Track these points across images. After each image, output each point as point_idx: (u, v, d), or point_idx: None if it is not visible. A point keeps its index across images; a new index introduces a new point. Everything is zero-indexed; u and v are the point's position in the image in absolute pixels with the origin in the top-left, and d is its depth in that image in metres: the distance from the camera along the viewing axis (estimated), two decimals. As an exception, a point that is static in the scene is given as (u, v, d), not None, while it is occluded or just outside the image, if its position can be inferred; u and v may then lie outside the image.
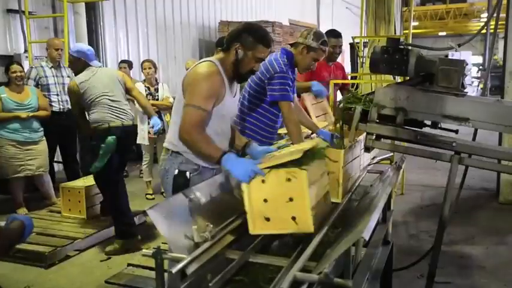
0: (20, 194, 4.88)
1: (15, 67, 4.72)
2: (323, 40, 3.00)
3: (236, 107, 2.52)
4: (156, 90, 5.52)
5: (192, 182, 2.27)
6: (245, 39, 2.24)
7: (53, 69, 5.29)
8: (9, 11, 6.22)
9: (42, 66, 5.26)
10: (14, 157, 4.68)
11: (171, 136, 2.38)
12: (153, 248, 1.60)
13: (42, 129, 4.95)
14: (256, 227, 1.82)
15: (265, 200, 1.80)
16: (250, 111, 3.05)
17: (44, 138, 4.95)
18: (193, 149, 2.20)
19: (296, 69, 3.12)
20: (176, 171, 2.31)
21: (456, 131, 2.52)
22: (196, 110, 2.15)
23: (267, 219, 1.80)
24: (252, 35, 2.25)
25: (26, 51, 6.19)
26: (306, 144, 2.09)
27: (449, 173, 2.38)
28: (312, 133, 2.95)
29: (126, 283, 3.19)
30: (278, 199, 1.79)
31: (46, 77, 5.24)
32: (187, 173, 2.30)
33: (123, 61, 6.65)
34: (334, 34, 4.22)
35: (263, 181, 1.80)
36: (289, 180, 1.77)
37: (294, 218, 1.78)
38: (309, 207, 1.76)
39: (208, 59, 2.33)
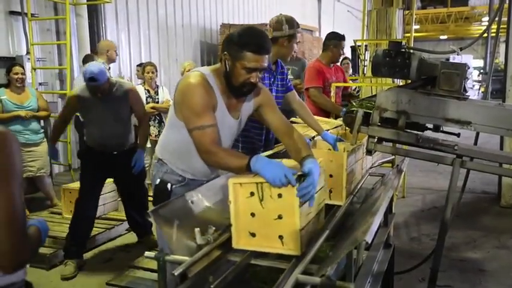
0: (21, 195, 4.89)
1: (17, 69, 4.72)
2: (296, 23, 3.05)
3: (234, 129, 2.22)
4: (156, 93, 5.55)
5: (174, 193, 2.19)
6: (230, 47, 1.97)
7: (109, 70, 5.44)
8: (12, 13, 6.23)
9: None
10: (16, 158, 4.68)
11: (159, 143, 2.32)
12: (155, 250, 1.60)
13: (42, 131, 4.96)
14: (240, 242, 1.73)
15: (253, 214, 1.68)
16: None
17: (45, 139, 4.96)
18: (221, 167, 2.01)
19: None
20: (158, 181, 2.23)
21: (458, 134, 2.52)
22: (200, 131, 1.94)
23: (253, 235, 1.70)
24: (236, 42, 1.95)
25: (28, 53, 6.21)
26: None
27: (451, 176, 2.37)
28: (316, 135, 2.94)
29: (127, 285, 3.19)
30: (266, 215, 1.66)
31: None
32: (169, 185, 2.20)
33: (139, 65, 6.68)
34: (338, 37, 4.35)
35: (252, 194, 1.67)
36: (280, 196, 1.64)
37: (281, 237, 1.66)
38: (299, 228, 1.63)
39: (197, 69, 2.12)
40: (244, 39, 1.94)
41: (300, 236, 1.63)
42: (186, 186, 2.18)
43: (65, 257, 3.66)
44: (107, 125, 3.61)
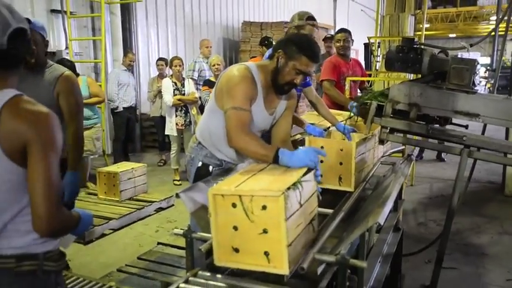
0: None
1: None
2: (308, 16, 2.94)
3: (267, 123, 2.20)
4: (183, 85, 5.57)
5: (214, 176, 2.18)
6: (289, 47, 2.00)
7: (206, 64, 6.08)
8: (53, 11, 6.34)
9: (202, 62, 6.04)
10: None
11: (199, 127, 2.31)
12: (181, 229, 1.63)
13: (96, 116, 5.02)
14: (222, 258, 1.44)
15: (235, 228, 1.40)
16: None
17: (98, 125, 5.04)
18: (246, 152, 1.90)
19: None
20: (200, 164, 2.24)
21: (466, 126, 2.49)
22: (236, 111, 1.92)
23: (236, 250, 1.42)
24: (296, 44, 1.99)
25: (66, 47, 6.31)
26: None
27: (458, 166, 2.35)
28: (330, 126, 2.94)
29: (156, 260, 3.25)
30: (250, 229, 1.39)
31: (204, 70, 6.05)
32: (210, 167, 2.22)
33: (160, 59, 6.70)
34: (338, 30, 4.44)
35: (234, 205, 1.39)
36: (264, 208, 1.36)
37: (266, 254, 1.38)
38: (286, 244, 1.35)
39: (244, 63, 2.14)
40: (304, 44, 2.00)
41: (287, 253, 1.36)
42: (224, 169, 2.20)
43: None
44: None
